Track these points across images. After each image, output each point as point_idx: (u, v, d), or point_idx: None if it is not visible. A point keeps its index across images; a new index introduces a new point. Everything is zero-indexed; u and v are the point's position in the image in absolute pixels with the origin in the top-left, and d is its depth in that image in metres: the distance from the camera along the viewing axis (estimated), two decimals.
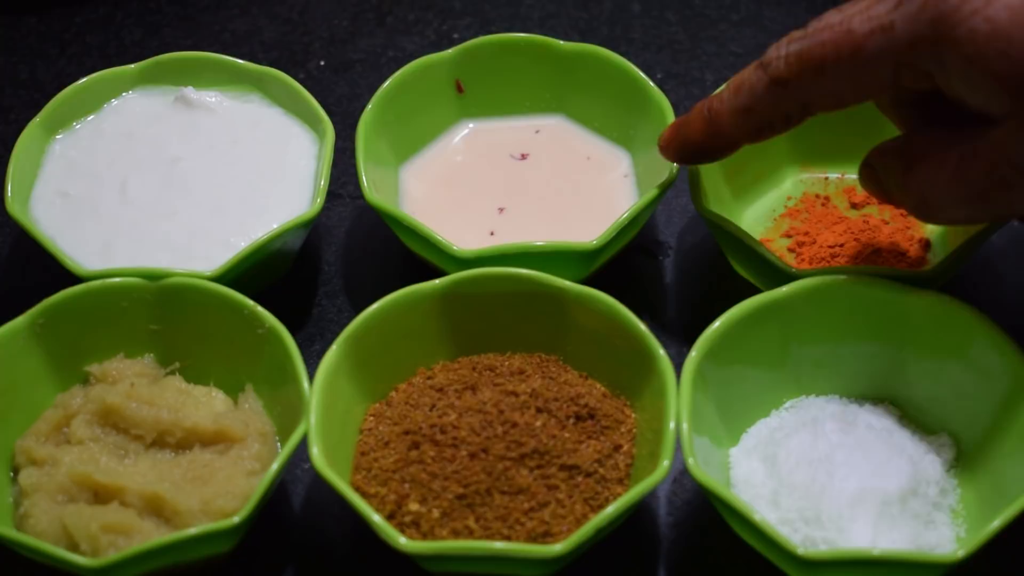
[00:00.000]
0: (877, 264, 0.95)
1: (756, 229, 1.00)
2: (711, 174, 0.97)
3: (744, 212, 1.01)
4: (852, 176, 1.02)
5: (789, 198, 1.02)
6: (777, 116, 0.84)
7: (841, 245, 0.97)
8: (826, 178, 1.02)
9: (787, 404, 0.90)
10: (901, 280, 0.89)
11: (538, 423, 0.85)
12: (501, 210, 1.00)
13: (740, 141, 0.87)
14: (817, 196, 1.01)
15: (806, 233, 0.99)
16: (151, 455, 0.87)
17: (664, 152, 0.91)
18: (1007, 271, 0.99)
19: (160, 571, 0.82)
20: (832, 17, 0.82)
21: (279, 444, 0.88)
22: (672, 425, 0.82)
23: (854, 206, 1.00)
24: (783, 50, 0.83)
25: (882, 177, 0.86)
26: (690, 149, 0.89)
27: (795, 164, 1.02)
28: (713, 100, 0.87)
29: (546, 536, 0.82)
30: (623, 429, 0.87)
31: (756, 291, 0.92)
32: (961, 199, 0.80)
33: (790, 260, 0.97)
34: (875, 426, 0.87)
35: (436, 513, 0.83)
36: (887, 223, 0.98)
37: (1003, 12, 0.75)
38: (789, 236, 0.99)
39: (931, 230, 0.98)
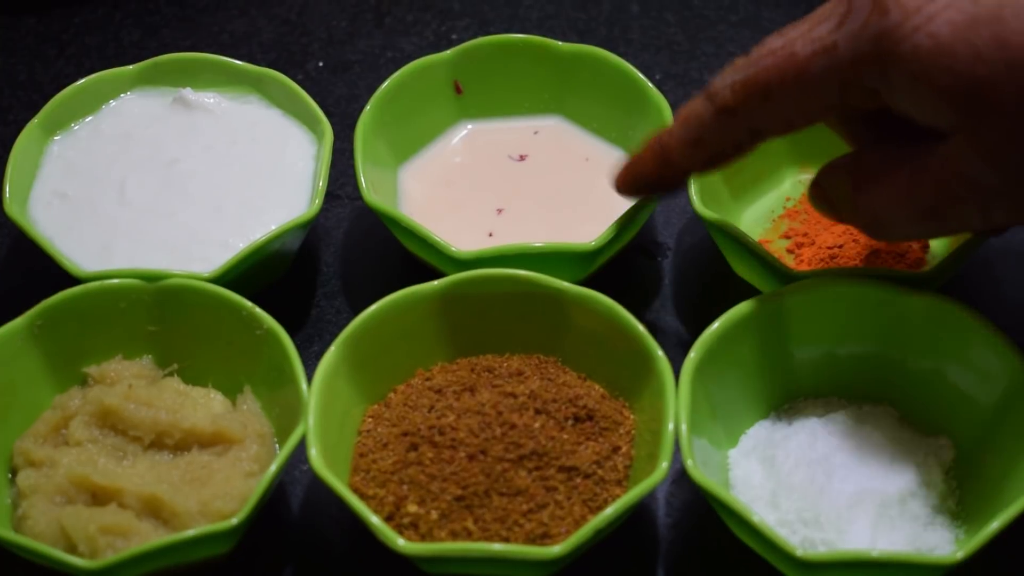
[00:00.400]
0: (876, 265, 0.95)
1: (755, 230, 1.00)
2: (709, 175, 0.97)
3: (743, 213, 1.01)
4: None
5: (788, 199, 1.02)
6: (728, 145, 0.84)
7: (840, 246, 0.97)
8: None
9: (786, 405, 0.90)
10: (900, 281, 0.89)
11: (537, 424, 0.85)
12: (500, 211, 1.00)
13: (693, 172, 0.86)
14: None
15: (805, 234, 0.99)
16: (149, 456, 0.87)
17: (618, 190, 0.90)
18: (1005, 273, 0.99)
19: (158, 572, 0.82)
20: (774, 42, 0.81)
21: (277, 445, 0.88)
22: (671, 426, 0.82)
23: None
24: (728, 79, 0.82)
25: (832, 196, 0.85)
26: (644, 183, 0.88)
27: (794, 165, 1.02)
28: (663, 134, 0.86)
29: (544, 538, 0.82)
30: (622, 430, 0.87)
31: (755, 292, 0.93)
32: (913, 216, 0.80)
33: (789, 261, 0.97)
34: (874, 428, 0.87)
35: (435, 515, 0.83)
36: None
37: (945, 27, 0.75)
38: (788, 237, 0.99)
39: None
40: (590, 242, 0.92)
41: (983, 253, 0.99)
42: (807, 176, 1.02)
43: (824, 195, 0.86)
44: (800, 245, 0.98)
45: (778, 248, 0.98)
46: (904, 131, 0.81)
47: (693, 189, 0.94)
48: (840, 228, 0.98)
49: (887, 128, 0.83)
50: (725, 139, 0.84)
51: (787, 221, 1.00)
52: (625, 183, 0.89)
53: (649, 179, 0.88)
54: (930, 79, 0.75)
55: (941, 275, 0.91)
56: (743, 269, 0.96)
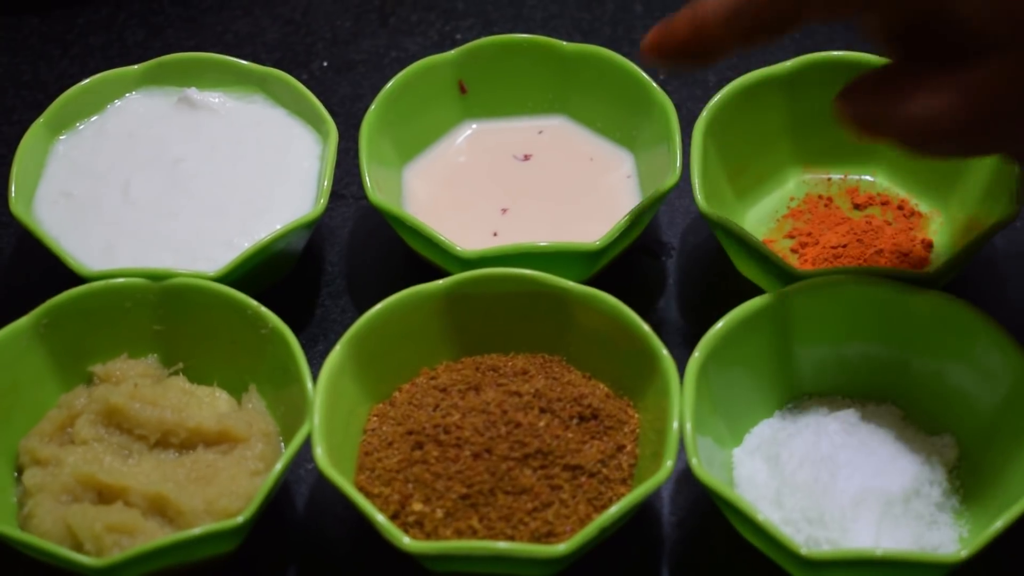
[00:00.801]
0: (880, 264, 0.95)
1: (759, 230, 1.00)
2: (714, 174, 0.97)
3: (747, 213, 1.01)
4: (855, 176, 1.02)
5: (792, 199, 1.02)
6: (771, 15, 0.79)
7: (844, 246, 0.97)
8: (829, 179, 1.02)
9: (790, 404, 0.90)
10: (904, 280, 0.89)
11: (541, 423, 0.85)
12: (504, 211, 1.00)
13: (726, 43, 0.81)
14: (820, 197, 1.01)
15: (809, 234, 0.99)
16: (155, 455, 0.87)
17: (644, 51, 0.84)
18: (1009, 272, 0.99)
19: (164, 571, 0.82)
20: None
21: (283, 444, 0.88)
22: (675, 425, 0.82)
23: (857, 207, 1.01)
24: None
25: (865, 109, 0.81)
26: (671, 48, 0.82)
27: (798, 165, 1.02)
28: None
29: (549, 536, 0.82)
30: (626, 429, 0.87)
31: (759, 292, 0.93)
32: (955, 129, 0.77)
33: (793, 261, 0.97)
34: (878, 426, 0.87)
35: (440, 513, 0.83)
36: (890, 224, 0.99)
37: None
38: (792, 237, 0.99)
39: (934, 231, 0.99)
40: (595, 242, 0.92)
41: (987, 253, 0.99)
42: (810, 176, 1.02)
43: (855, 109, 0.81)
44: (804, 245, 0.98)
45: (782, 248, 0.99)
46: (949, 44, 0.78)
47: (697, 188, 0.94)
48: (844, 228, 0.98)
49: (930, 41, 0.80)
50: (771, 7, 0.79)
51: (791, 221, 1.00)
52: (652, 44, 0.83)
53: (677, 45, 0.82)
54: None
55: (945, 275, 0.91)
56: (747, 268, 0.96)
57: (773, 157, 1.01)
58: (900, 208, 1.00)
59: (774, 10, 0.79)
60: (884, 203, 1.00)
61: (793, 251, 0.98)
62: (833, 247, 0.97)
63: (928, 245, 0.98)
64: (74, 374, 0.91)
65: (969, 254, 0.91)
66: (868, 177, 1.02)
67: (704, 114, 0.97)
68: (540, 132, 1.05)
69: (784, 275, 0.91)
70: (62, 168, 1.00)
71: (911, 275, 0.90)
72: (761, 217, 1.01)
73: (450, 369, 0.90)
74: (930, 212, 1.00)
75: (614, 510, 0.80)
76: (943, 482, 0.86)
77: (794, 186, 1.02)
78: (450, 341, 0.91)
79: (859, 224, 0.98)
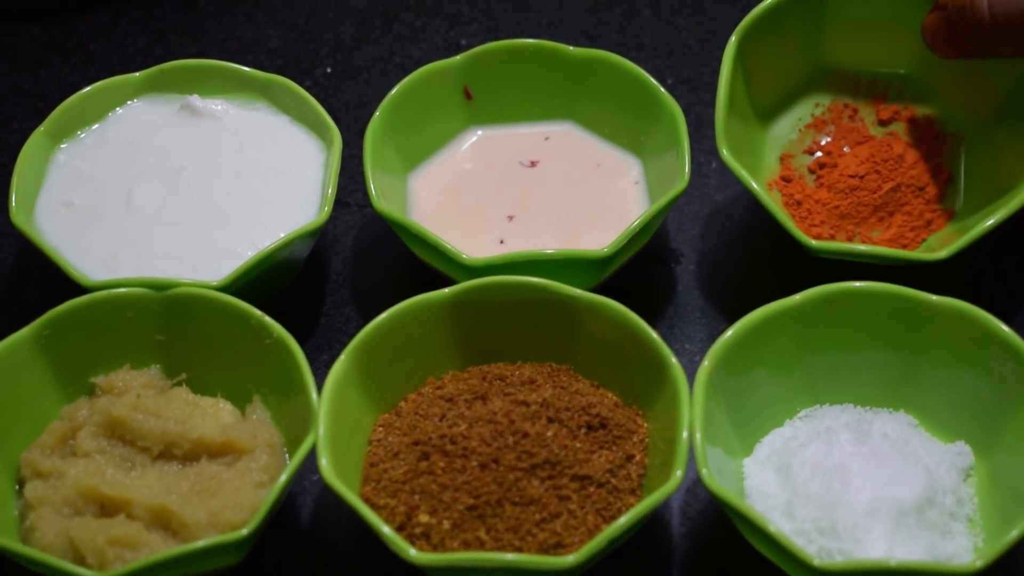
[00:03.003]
0: (896, 201, 0.96)
1: (779, 141, 1.01)
2: (739, 97, 0.97)
3: (771, 122, 1.01)
4: (884, 79, 1.02)
5: (817, 105, 1.01)
6: None
7: (861, 177, 0.97)
8: (858, 78, 1.02)
9: (801, 413, 0.90)
10: (915, 274, 0.88)
11: (549, 433, 0.84)
12: (511, 218, 1.00)
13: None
14: (846, 106, 1.01)
15: (829, 153, 0.99)
16: (158, 467, 0.87)
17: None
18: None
19: None
20: None
21: (287, 455, 0.88)
22: (685, 435, 0.82)
23: (881, 123, 1.00)
24: None
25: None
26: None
27: (826, 66, 1.02)
28: None
29: (558, 547, 0.82)
30: (635, 439, 0.86)
31: (770, 299, 0.92)
32: None
33: (809, 181, 0.98)
34: (890, 435, 0.86)
35: (446, 524, 0.82)
36: (911, 147, 0.98)
37: None
38: (811, 153, 0.99)
39: (955, 157, 0.99)
40: (602, 249, 0.91)
41: (1001, 259, 0.98)
42: (838, 77, 1.02)
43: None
44: (822, 165, 0.99)
45: (800, 164, 0.99)
46: None
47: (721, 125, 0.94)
48: (865, 151, 0.98)
49: None
50: None
51: (813, 132, 1.01)
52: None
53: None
54: None
55: (958, 251, 0.91)
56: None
57: (799, 65, 1.01)
58: (926, 129, 1.00)
59: None
60: (910, 119, 1.00)
61: (811, 170, 0.99)
62: (851, 175, 0.97)
63: (947, 179, 0.98)
64: (76, 385, 0.91)
65: (982, 233, 0.91)
66: (900, 71, 1.01)
67: (733, 39, 0.97)
68: (547, 138, 1.04)
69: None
70: (63, 177, 0.99)
71: (923, 260, 0.90)
72: (784, 126, 1.01)
73: (456, 378, 0.90)
74: (956, 134, 0.99)
75: (623, 521, 0.79)
76: (957, 491, 0.85)
77: (821, 88, 1.02)
78: (456, 350, 0.90)
79: (881, 146, 0.98)
